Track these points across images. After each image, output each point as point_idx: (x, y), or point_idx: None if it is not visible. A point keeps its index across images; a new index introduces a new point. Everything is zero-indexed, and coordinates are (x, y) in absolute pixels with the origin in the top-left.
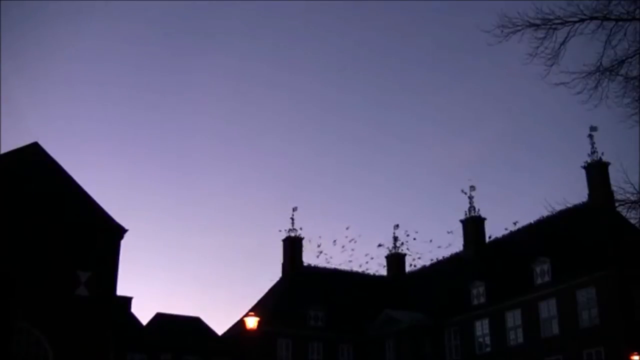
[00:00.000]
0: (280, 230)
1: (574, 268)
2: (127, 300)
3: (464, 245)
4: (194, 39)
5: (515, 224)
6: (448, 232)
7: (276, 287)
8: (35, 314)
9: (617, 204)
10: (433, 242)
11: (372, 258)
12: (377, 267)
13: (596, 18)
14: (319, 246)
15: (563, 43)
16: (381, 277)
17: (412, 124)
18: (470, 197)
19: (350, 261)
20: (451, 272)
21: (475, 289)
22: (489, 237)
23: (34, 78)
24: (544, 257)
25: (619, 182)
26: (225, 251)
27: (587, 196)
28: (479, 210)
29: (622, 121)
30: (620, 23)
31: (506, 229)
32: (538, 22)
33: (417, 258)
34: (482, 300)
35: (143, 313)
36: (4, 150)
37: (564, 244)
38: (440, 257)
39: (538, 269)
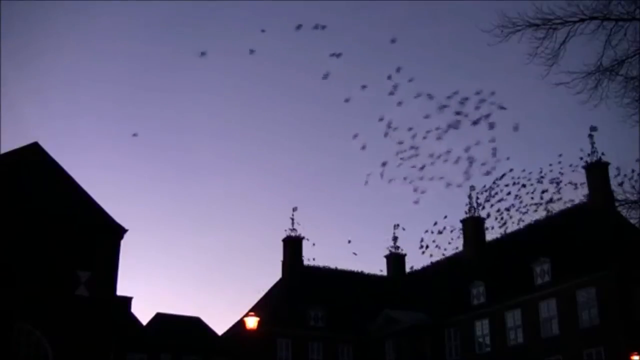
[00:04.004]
0: (280, 230)
1: (574, 268)
2: (127, 300)
3: (464, 245)
4: (194, 39)
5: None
6: (451, 231)
7: (276, 287)
8: (35, 314)
9: (617, 204)
10: (433, 242)
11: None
12: (377, 267)
13: (596, 18)
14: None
15: (563, 43)
16: (381, 277)
17: (412, 124)
18: (471, 197)
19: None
20: (451, 272)
21: (475, 289)
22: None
23: (34, 78)
24: (544, 257)
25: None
26: (225, 251)
27: (587, 196)
28: (479, 210)
29: (622, 121)
30: (620, 23)
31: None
32: (538, 22)
33: (430, 255)
34: (482, 300)
35: (143, 313)
36: (4, 150)
37: (564, 244)
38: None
39: (538, 269)
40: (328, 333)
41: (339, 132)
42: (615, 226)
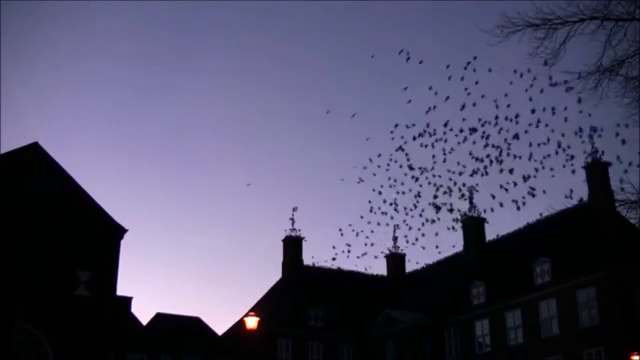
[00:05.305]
0: (280, 230)
1: (574, 268)
2: (127, 300)
3: (464, 245)
4: (193, 38)
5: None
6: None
7: (276, 287)
8: (35, 314)
9: (617, 204)
10: (433, 242)
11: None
12: (377, 267)
13: (596, 18)
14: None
15: (563, 43)
16: (381, 277)
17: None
18: (471, 198)
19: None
20: (451, 272)
21: (475, 289)
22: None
23: (34, 78)
24: (544, 257)
25: (619, 182)
26: (225, 251)
27: (587, 196)
28: (479, 210)
29: (622, 121)
30: (620, 23)
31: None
32: (538, 22)
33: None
34: (482, 300)
35: (143, 313)
36: (4, 150)
37: (564, 244)
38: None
39: (538, 269)
40: (328, 333)
41: (339, 132)
42: (615, 226)
